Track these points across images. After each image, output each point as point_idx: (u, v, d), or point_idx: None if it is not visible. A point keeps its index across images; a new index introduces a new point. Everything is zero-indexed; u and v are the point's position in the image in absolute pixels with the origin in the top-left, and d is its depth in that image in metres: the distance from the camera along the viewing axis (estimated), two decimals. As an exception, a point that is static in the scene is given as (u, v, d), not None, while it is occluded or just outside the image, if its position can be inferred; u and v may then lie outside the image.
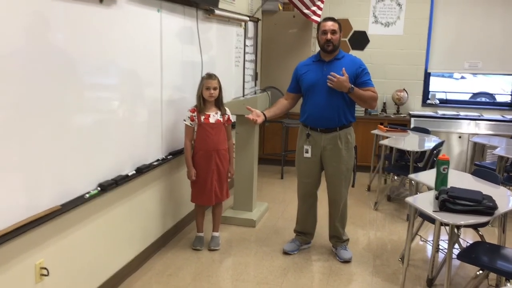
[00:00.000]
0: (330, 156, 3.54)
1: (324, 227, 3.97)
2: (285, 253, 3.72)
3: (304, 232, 3.82)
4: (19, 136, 2.17)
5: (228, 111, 3.72)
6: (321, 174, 3.67)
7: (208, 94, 3.55)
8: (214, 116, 3.61)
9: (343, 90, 3.36)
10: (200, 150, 3.61)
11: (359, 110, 6.19)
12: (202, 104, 3.59)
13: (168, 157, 3.68)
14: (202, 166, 3.62)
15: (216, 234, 3.85)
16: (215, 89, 3.56)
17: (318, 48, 6.71)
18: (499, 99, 6.86)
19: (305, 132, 3.59)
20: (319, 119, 3.50)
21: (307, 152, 3.58)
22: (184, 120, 3.61)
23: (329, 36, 3.43)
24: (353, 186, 5.39)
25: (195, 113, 3.59)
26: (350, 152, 3.57)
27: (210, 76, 3.58)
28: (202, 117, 3.58)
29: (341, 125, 3.50)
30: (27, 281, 2.33)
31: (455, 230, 3.25)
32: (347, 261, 3.60)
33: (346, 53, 3.61)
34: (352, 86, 3.36)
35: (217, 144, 3.62)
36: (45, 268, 2.41)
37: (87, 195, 2.66)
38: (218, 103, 3.65)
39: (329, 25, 3.45)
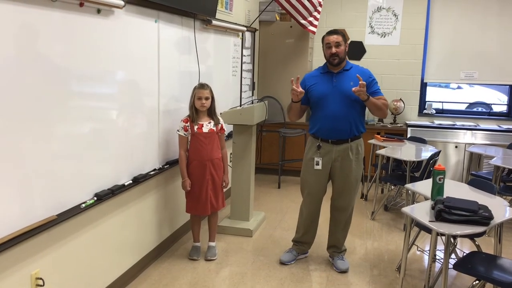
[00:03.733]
0: (341, 168, 3.52)
1: (321, 236, 3.97)
2: (282, 263, 3.71)
3: (303, 242, 3.80)
4: (14, 145, 2.17)
5: (221, 120, 3.73)
6: (327, 184, 3.66)
7: (200, 104, 3.55)
8: (207, 125, 3.62)
9: (364, 98, 3.32)
10: (194, 160, 3.62)
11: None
12: (194, 114, 3.60)
13: (165, 166, 3.68)
14: (197, 176, 3.62)
15: (212, 244, 3.84)
16: (206, 99, 3.57)
17: (315, 58, 6.78)
18: (495, 109, 6.89)
19: (316, 144, 3.54)
20: (331, 130, 3.47)
21: (317, 164, 3.53)
22: (178, 131, 3.62)
23: (333, 50, 3.41)
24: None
25: (188, 123, 3.59)
26: (359, 163, 3.56)
27: (202, 86, 3.59)
28: (195, 127, 3.58)
29: (353, 136, 3.48)
30: (22, 292, 2.33)
31: (452, 240, 3.25)
32: (344, 272, 3.60)
33: (353, 64, 3.59)
34: (368, 94, 3.34)
35: (211, 154, 3.62)
36: (41, 279, 2.40)
37: (83, 205, 2.66)
38: (211, 113, 3.65)
39: (333, 38, 3.42)
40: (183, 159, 3.62)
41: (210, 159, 3.62)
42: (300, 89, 3.42)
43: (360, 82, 3.24)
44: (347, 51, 3.52)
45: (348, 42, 6.51)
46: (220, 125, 3.70)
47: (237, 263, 3.73)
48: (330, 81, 3.48)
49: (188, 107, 3.63)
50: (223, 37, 4.85)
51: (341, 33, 3.49)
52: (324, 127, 3.49)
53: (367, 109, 3.48)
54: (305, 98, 3.54)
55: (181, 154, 3.62)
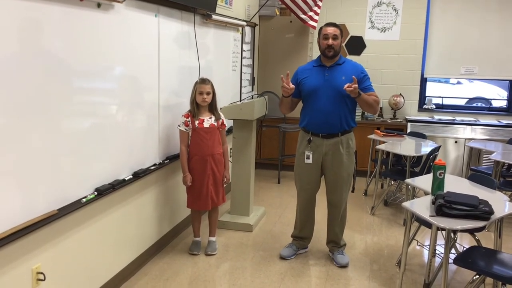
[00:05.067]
0: (332, 162, 3.53)
1: (321, 231, 3.98)
2: (282, 258, 3.72)
3: (302, 237, 3.82)
4: (15, 141, 2.16)
5: (222, 116, 3.73)
6: (320, 179, 3.66)
7: (201, 99, 3.55)
8: (208, 120, 3.61)
9: (355, 95, 3.32)
10: (195, 155, 3.61)
11: (356, 115, 6.19)
12: (195, 109, 3.59)
13: (165, 161, 3.68)
14: (198, 171, 3.62)
15: (212, 239, 3.85)
16: (208, 94, 3.56)
17: (315, 53, 6.77)
18: (495, 104, 6.89)
19: (306, 138, 3.56)
20: (321, 124, 3.48)
21: (308, 158, 3.54)
22: (179, 126, 3.61)
23: (330, 41, 3.42)
24: (352, 191, 5.40)
25: (189, 118, 3.59)
26: (351, 157, 3.56)
27: (203, 81, 3.58)
28: (196, 122, 3.58)
29: (343, 130, 3.49)
30: (23, 286, 2.33)
31: (452, 234, 3.26)
32: (344, 266, 3.61)
33: (346, 58, 3.60)
34: (359, 91, 3.34)
35: (212, 149, 3.62)
36: (42, 273, 2.40)
37: (84, 200, 2.66)
38: (212, 108, 3.65)
39: (331, 30, 3.44)
40: (184, 154, 3.62)
41: (211, 154, 3.62)
42: (291, 85, 3.42)
43: (353, 81, 3.24)
44: (343, 46, 3.51)
45: (348, 37, 6.55)
46: (221, 120, 3.69)
47: (237, 258, 3.74)
48: (322, 74, 3.48)
49: (189, 102, 3.62)
50: (223, 32, 4.83)
51: (339, 26, 3.50)
52: (314, 121, 3.50)
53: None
54: (297, 92, 3.55)
55: (182, 149, 3.62)
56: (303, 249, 3.85)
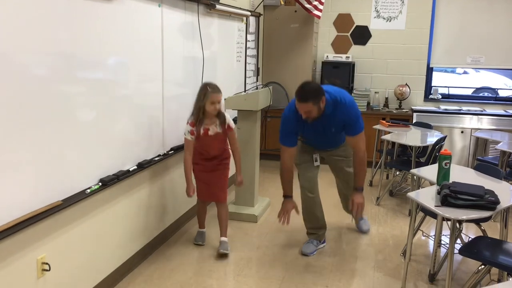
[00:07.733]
0: (337, 161, 3.77)
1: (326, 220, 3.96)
2: (304, 255, 3.65)
3: (311, 229, 3.77)
4: (20, 132, 2.16)
5: (227, 117, 3.53)
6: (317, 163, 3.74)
7: (213, 108, 3.37)
8: (213, 129, 3.46)
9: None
10: (201, 153, 3.54)
11: (362, 105, 6.19)
12: (201, 116, 3.41)
13: (170, 152, 3.67)
14: (201, 167, 3.57)
15: (224, 239, 3.67)
16: (219, 102, 3.41)
17: (320, 43, 6.71)
18: (501, 94, 6.83)
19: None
20: (318, 146, 3.69)
21: (316, 160, 3.68)
22: (185, 134, 3.46)
23: (304, 115, 3.22)
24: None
25: (195, 127, 3.42)
26: (348, 151, 3.71)
27: (214, 89, 3.36)
28: (202, 131, 3.43)
29: (339, 145, 3.70)
30: (29, 276, 2.34)
31: (457, 225, 3.24)
32: (365, 233, 3.98)
33: (335, 100, 3.28)
34: (360, 187, 3.51)
35: (216, 151, 3.55)
36: (47, 263, 2.42)
37: (88, 190, 2.67)
38: (218, 113, 3.47)
39: (302, 107, 3.17)
40: (188, 163, 3.46)
41: (216, 153, 3.56)
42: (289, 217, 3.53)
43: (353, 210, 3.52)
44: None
45: (353, 27, 6.49)
46: (226, 124, 3.50)
47: (242, 248, 3.74)
48: (311, 126, 3.37)
49: (195, 107, 3.42)
50: (227, 22, 4.80)
51: (312, 97, 3.13)
52: (311, 143, 3.69)
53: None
54: (296, 137, 3.50)
55: (187, 159, 3.45)
56: (322, 244, 3.79)
